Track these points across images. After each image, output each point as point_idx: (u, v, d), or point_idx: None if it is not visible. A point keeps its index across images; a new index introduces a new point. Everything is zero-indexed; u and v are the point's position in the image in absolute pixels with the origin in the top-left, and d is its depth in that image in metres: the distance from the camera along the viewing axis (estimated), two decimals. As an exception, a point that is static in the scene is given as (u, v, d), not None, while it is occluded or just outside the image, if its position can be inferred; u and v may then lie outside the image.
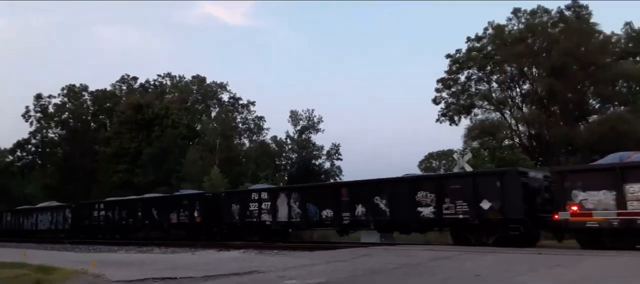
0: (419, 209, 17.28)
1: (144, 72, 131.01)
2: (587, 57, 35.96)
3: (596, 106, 39.15)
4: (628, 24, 39.81)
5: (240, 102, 61.65)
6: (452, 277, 9.86)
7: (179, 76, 65.49)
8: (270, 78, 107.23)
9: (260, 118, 60.51)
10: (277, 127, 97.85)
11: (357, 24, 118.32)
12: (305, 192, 21.37)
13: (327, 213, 20.12)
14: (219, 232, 24.36)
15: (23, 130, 64.31)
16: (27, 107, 61.86)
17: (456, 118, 42.60)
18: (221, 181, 38.37)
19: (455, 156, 27.25)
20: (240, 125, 60.16)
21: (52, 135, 63.33)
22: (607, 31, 38.45)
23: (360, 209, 18.97)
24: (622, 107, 37.07)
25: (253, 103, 61.00)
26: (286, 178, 47.78)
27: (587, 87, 38.32)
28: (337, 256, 14.43)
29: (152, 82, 65.52)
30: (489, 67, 41.76)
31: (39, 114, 62.24)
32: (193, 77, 64.11)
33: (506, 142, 39.54)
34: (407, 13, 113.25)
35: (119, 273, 11.23)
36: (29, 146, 64.03)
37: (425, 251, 14.06)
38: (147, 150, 46.95)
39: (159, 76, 65.96)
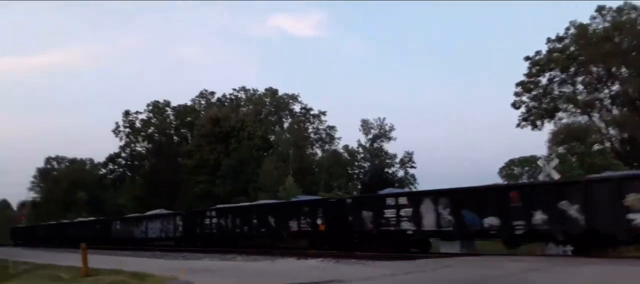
0: (630, 215, 13.95)
1: (220, 86, 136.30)
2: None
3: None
4: None
5: (312, 112, 62.62)
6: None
7: (253, 89, 67.81)
8: (340, 88, 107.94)
9: (332, 128, 61.09)
10: (349, 136, 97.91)
11: (428, 29, 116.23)
12: (459, 196, 18.46)
13: (490, 221, 17.06)
14: (347, 241, 22.45)
15: (114, 145, 69.49)
16: (116, 123, 66.86)
17: (538, 123, 40.37)
18: (296, 190, 39.04)
19: (539, 162, 25.77)
20: (312, 135, 61.04)
21: (140, 149, 67.82)
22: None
23: (539, 216, 15.78)
24: None
25: (324, 113, 61.76)
26: (359, 187, 47.73)
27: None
28: (418, 266, 14.14)
29: (228, 96, 68.32)
30: (572, 69, 39.29)
31: (127, 130, 67.00)
32: (266, 89, 66.07)
33: (596, 147, 36.85)
34: (479, 15, 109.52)
35: (207, 280, 11.74)
36: (120, 160, 69.13)
37: (515, 263, 13.38)
38: (226, 161, 48.88)
39: (234, 89, 68.67)
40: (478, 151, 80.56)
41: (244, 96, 68.44)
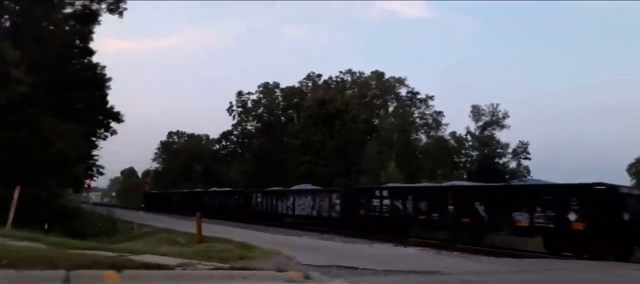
0: None
1: (326, 69, 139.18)
2: None
3: None
4: None
5: (418, 96, 61.05)
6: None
7: (359, 72, 67.77)
8: (450, 72, 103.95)
9: (439, 113, 59.09)
10: (457, 123, 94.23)
11: (548, 10, 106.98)
12: None
13: None
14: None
15: (227, 122, 74.09)
16: (230, 102, 71.12)
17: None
18: (397, 176, 38.55)
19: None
20: (417, 120, 59.63)
21: (250, 127, 71.54)
22: None
23: None
24: None
25: (431, 97, 59.90)
26: (465, 177, 45.77)
27: None
28: (526, 266, 13.24)
29: (334, 79, 69.08)
30: None
31: (239, 109, 70.96)
32: (372, 72, 65.64)
33: None
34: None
35: (308, 257, 12.04)
36: (232, 137, 73.66)
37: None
38: (330, 143, 49.67)
39: (341, 72, 69.21)
40: (605, 147, 72.95)
41: (349, 79, 68.76)
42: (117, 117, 35.34)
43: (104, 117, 35.45)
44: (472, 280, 10.12)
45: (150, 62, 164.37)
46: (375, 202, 26.04)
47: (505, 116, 49.05)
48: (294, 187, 35.27)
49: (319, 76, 70.41)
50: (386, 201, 25.37)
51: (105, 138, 37.10)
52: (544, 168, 59.34)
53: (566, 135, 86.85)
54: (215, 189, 49.52)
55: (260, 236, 20.24)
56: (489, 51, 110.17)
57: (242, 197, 40.24)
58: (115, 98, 62.81)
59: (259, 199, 37.61)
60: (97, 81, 32.35)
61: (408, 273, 10.73)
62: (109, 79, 33.58)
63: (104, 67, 32.96)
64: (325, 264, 11.16)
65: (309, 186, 34.31)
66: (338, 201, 29.09)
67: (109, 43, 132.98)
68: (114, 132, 36.72)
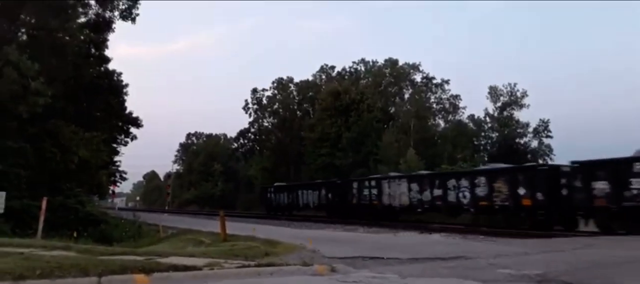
0: None
1: (340, 60, 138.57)
2: None
3: None
4: None
5: (434, 81, 60.40)
6: None
7: (372, 61, 67.35)
8: (465, 53, 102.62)
9: (456, 97, 58.40)
10: (475, 105, 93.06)
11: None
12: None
13: None
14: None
15: (244, 120, 74.49)
16: (246, 100, 71.32)
17: None
18: (417, 163, 38.31)
19: None
20: (434, 105, 59.05)
21: (267, 124, 71.79)
22: None
23: None
24: None
25: (447, 81, 59.18)
26: (486, 159, 45.24)
27: None
28: (554, 245, 13.09)
29: (347, 70, 68.78)
30: None
31: (255, 106, 71.20)
32: (386, 60, 65.15)
33: None
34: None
35: (332, 250, 12.08)
36: (249, 134, 74.08)
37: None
38: (346, 134, 49.62)
39: (354, 62, 68.83)
40: (626, 124, 71.24)
41: (363, 69, 68.37)
42: (136, 122, 35.85)
43: (124, 123, 35.99)
44: (499, 263, 10.05)
45: (164, 64, 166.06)
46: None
47: (524, 95, 48.27)
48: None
49: (332, 67, 70.21)
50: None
51: (125, 144, 37.76)
52: (567, 146, 58.17)
53: (591, 105, 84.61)
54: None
55: (282, 231, 20.38)
56: (500, 28, 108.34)
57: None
58: (132, 103, 63.81)
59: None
60: (114, 88, 32.80)
61: (433, 259, 10.71)
62: (126, 85, 34.06)
63: (120, 74, 33.43)
64: (350, 255, 11.23)
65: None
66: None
67: (123, 48, 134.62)
68: (134, 138, 37.32)
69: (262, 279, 7.72)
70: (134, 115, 35.66)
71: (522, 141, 48.23)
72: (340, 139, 50.46)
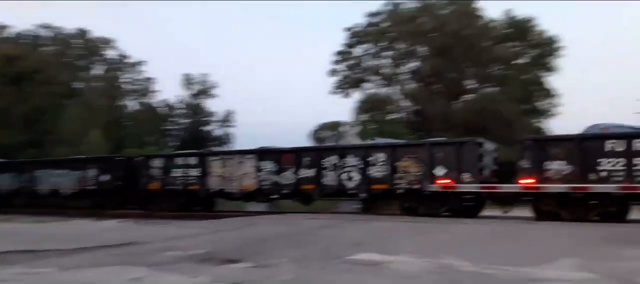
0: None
1: (17, 21, 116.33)
2: (469, 40, 38.76)
3: (473, 86, 42.52)
4: (508, 10, 43.08)
5: (128, 60, 57.44)
6: (332, 245, 10.18)
7: (59, 29, 59.00)
8: (164, 38, 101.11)
9: (149, 79, 57.05)
10: (170, 90, 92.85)
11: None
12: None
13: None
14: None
15: None
16: None
17: (349, 91, 43.72)
18: (102, 145, 35.86)
19: (342, 128, 27.93)
20: (126, 86, 56.25)
21: None
22: (490, 16, 41.68)
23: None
24: (496, 89, 40.70)
25: (144, 62, 57.17)
26: (178, 144, 46.01)
27: (467, 68, 41.44)
28: (225, 225, 14.25)
29: (26, 33, 58.35)
30: (385, 43, 43.23)
31: None
32: (77, 30, 58.14)
33: (393, 116, 41.67)
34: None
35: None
36: None
37: (311, 220, 14.41)
38: (19, 109, 42.38)
39: (34, 25, 58.84)
40: (295, 115, 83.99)
41: (49, 34, 59.19)
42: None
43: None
44: (169, 246, 10.28)
45: None
46: None
47: (215, 86, 51.30)
48: None
49: (4, 27, 58.27)
50: None
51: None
52: (247, 135, 65.03)
53: (269, 101, 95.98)
54: None
55: None
56: (199, 20, 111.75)
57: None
58: None
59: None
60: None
61: (101, 248, 10.15)
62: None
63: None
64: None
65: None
66: None
67: None
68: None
69: None
70: None
71: (208, 129, 51.36)
72: (10, 113, 42.57)
